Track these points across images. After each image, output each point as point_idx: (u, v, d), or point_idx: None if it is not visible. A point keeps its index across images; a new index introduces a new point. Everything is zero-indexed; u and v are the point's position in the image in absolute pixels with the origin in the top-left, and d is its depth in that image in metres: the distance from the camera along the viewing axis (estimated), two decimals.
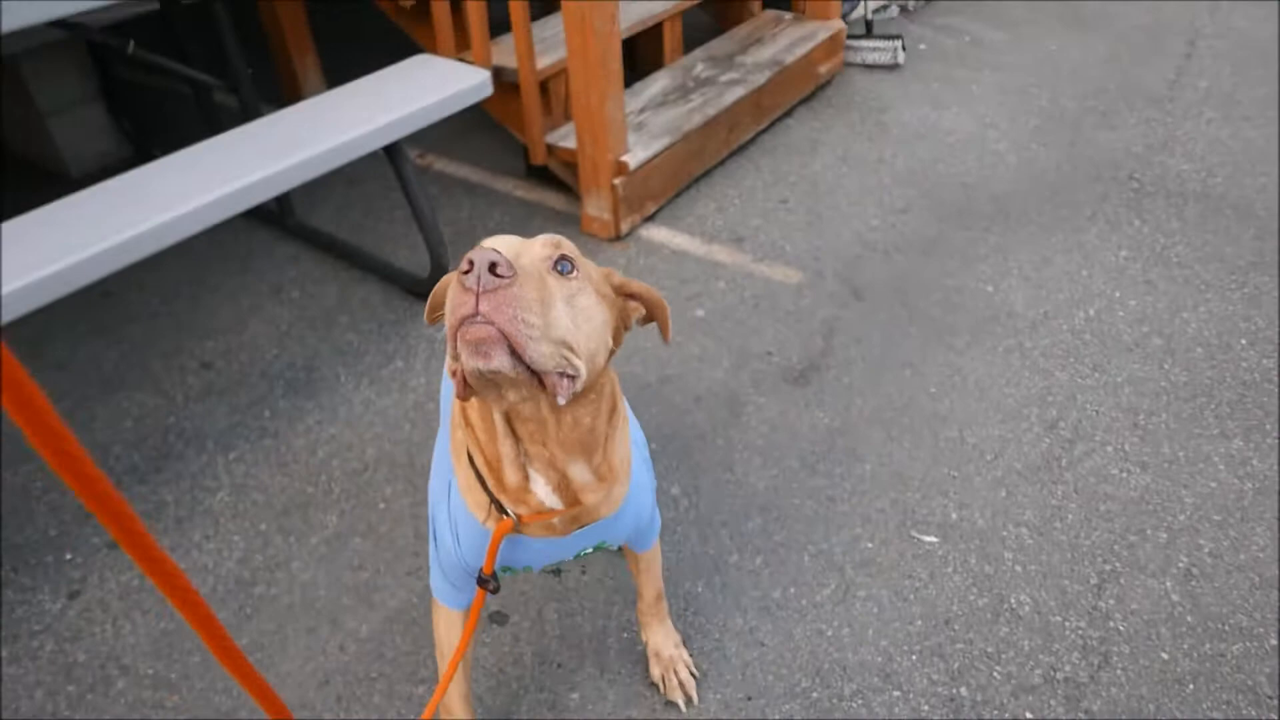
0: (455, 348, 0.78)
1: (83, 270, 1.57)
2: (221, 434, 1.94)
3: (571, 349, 0.83)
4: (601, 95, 2.29)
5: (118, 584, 1.63)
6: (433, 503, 1.18)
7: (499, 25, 2.46)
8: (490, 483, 1.01)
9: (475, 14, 2.37)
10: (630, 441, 1.11)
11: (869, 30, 3.50)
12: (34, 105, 2.79)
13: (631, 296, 1.00)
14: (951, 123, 3.05)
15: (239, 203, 1.76)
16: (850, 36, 3.43)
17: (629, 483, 1.09)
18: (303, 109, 2.05)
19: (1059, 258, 2.37)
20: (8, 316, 1.49)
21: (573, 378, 0.84)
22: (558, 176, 2.68)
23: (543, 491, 0.99)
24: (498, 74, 2.52)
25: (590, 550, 1.17)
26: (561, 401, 0.84)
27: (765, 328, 2.18)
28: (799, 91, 3.14)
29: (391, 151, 2.03)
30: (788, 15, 3.36)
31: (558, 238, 0.91)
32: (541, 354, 0.79)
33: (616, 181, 2.42)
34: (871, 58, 3.44)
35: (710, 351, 2.11)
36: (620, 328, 0.98)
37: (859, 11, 3.60)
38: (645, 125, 2.62)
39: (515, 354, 0.78)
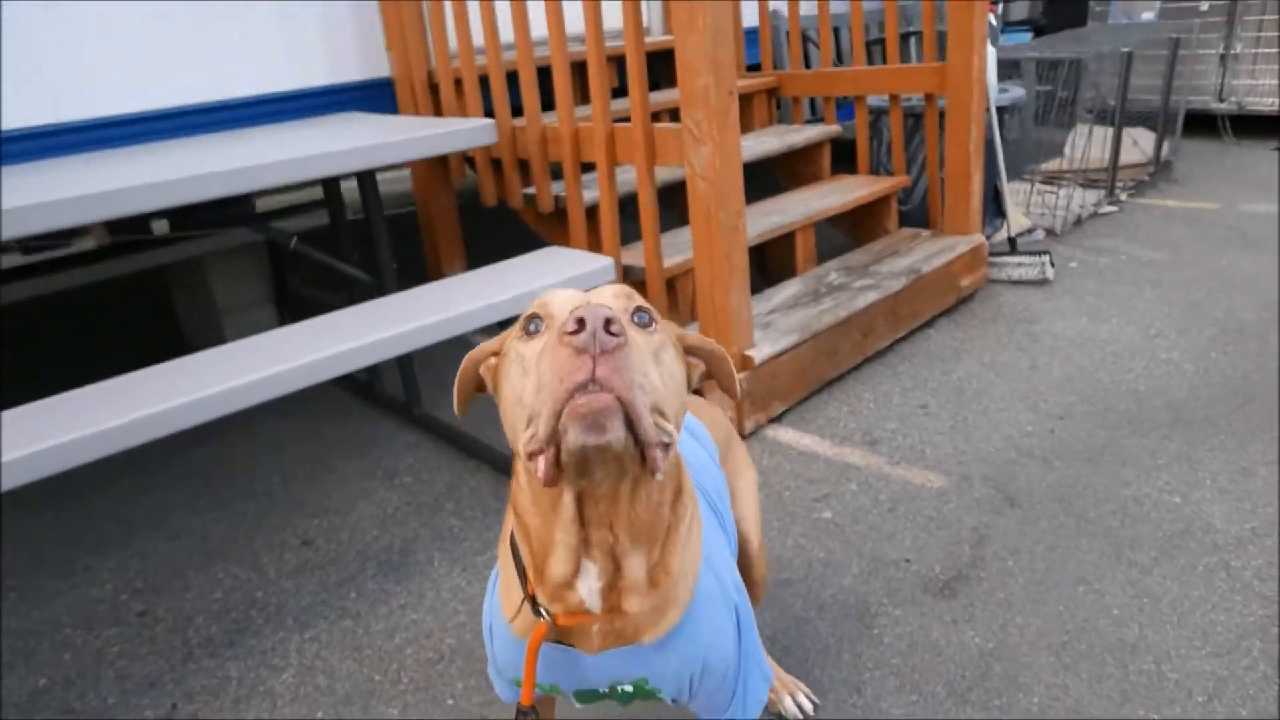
0: (555, 425, 0.69)
1: (178, 416, 1.57)
2: (303, 611, 1.83)
3: (664, 413, 0.74)
4: (725, 288, 2.25)
5: None
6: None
7: (634, 235, 2.52)
8: (530, 572, 0.88)
9: (607, 215, 2.45)
10: (704, 559, 0.94)
11: (1013, 248, 3.40)
12: (213, 302, 3.07)
13: (690, 351, 0.88)
14: (1112, 333, 2.81)
15: (345, 364, 1.76)
16: (994, 254, 3.33)
17: (687, 604, 0.90)
18: (430, 289, 2.11)
19: (1262, 469, 2.01)
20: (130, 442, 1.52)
21: (667, 445, 0.74)
22: None
23: (588, 589, 0.85)
24: (626, 272, 2.56)
25: (628, 689, 0.94)
26: (659, 476, 0.74)
27: (902, 533, 1.91)
28: (939, 302, 3.02)
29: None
30: (925, 232, 3.32)
31: (626, 287, 0.82)
32: (651, 426, 0.71)
33: (740, 376, 2.32)
34: (1018, 273, 3.31)
35: (837, 556, 1.85)
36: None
37: (1002, 234, 3.52)
38: (773, 324, 2.55)
39: (629, 425, 0.69)
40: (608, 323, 0.68)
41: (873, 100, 3.63)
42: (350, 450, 2.49)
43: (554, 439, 0.69)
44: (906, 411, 2.44)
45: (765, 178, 3.60)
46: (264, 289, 3.14)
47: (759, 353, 2.35)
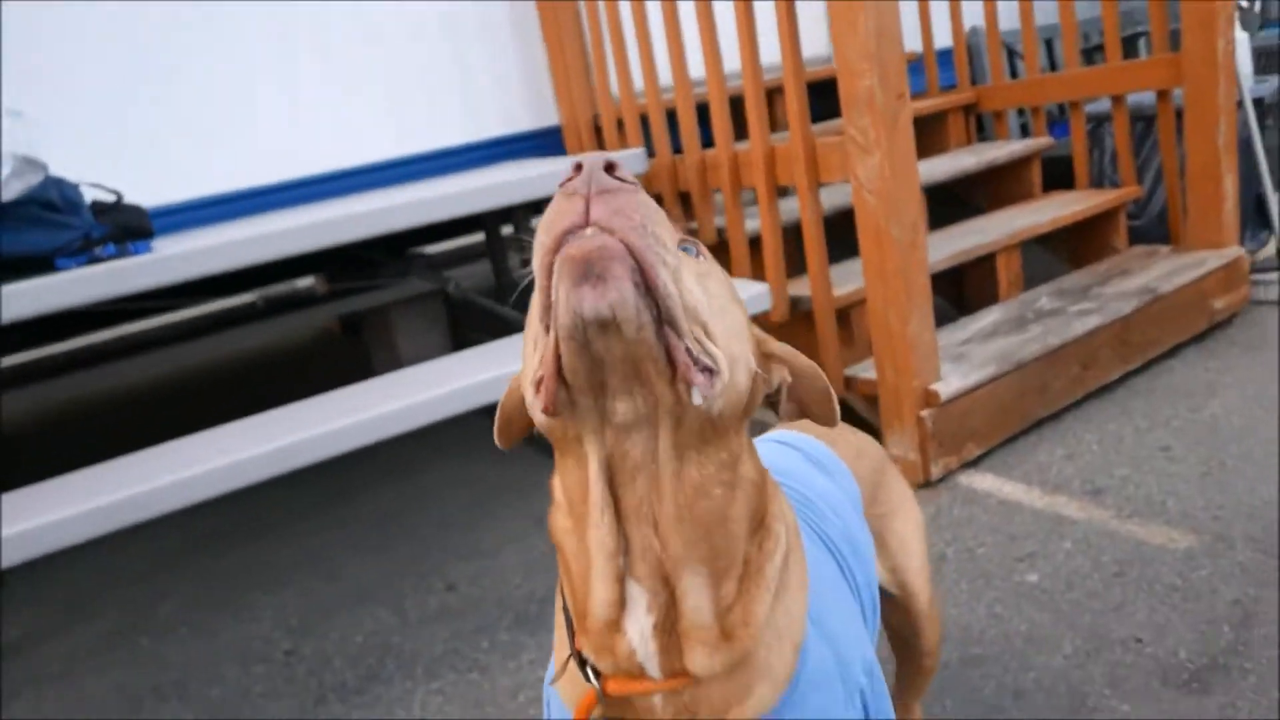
0: (549, 289, 0.53)
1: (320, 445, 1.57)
2: (434, 660, 1.73)
3: (706, 330, 0.58)
4: (903, 313, 1.97)
5: None
6: None
7: (804, 267, 2.30)
8: (574, 617, 0.69)
9: (769, 239, 2.25)
10: (813, 623, 0.71)
11: None
12: (396, 351, 3.17)
13: (770, 357, 0.71)
14: None
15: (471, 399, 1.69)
16: (1258, 270, 2.75)
17: (786, 680, 0.67)
18: None
19: None
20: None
21: (711, 372, 0.58)
22: (862, 416, 2.32)
23: (638, 630, 0.64)
24: (795, 303, 2.33)
25: None
26: (699, 400, 0.57)
27: (1134, 605, 1.51)
28: (1185, 328, 2.51)
29: None
30: (1164, 248, 2.81)
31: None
32: (673, 295, 0.54)
33: (924, 414, 2.00)
34: None
35: (1045, 630, 1.49)
36: (757, 390, 0.68)
37: (1269, 247, 2.92)
38: (967, 356, 2.20)
39: (640, 285, 0.53)
40: (609, 166, 0.54)
41: (1091, 108, 3.18)
42: (510, 495, 2.42)
43: (548, 320, 0.54)
44: (1142, 456, 1.99)
45: (964, 207, 3.23)
46: (442, 337, 3.22)
47: (946, 386, 2.02)
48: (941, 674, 1.41)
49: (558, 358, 0.55)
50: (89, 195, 1.84)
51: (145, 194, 2.00)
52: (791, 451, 1.04)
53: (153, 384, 4.30)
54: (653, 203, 0.56)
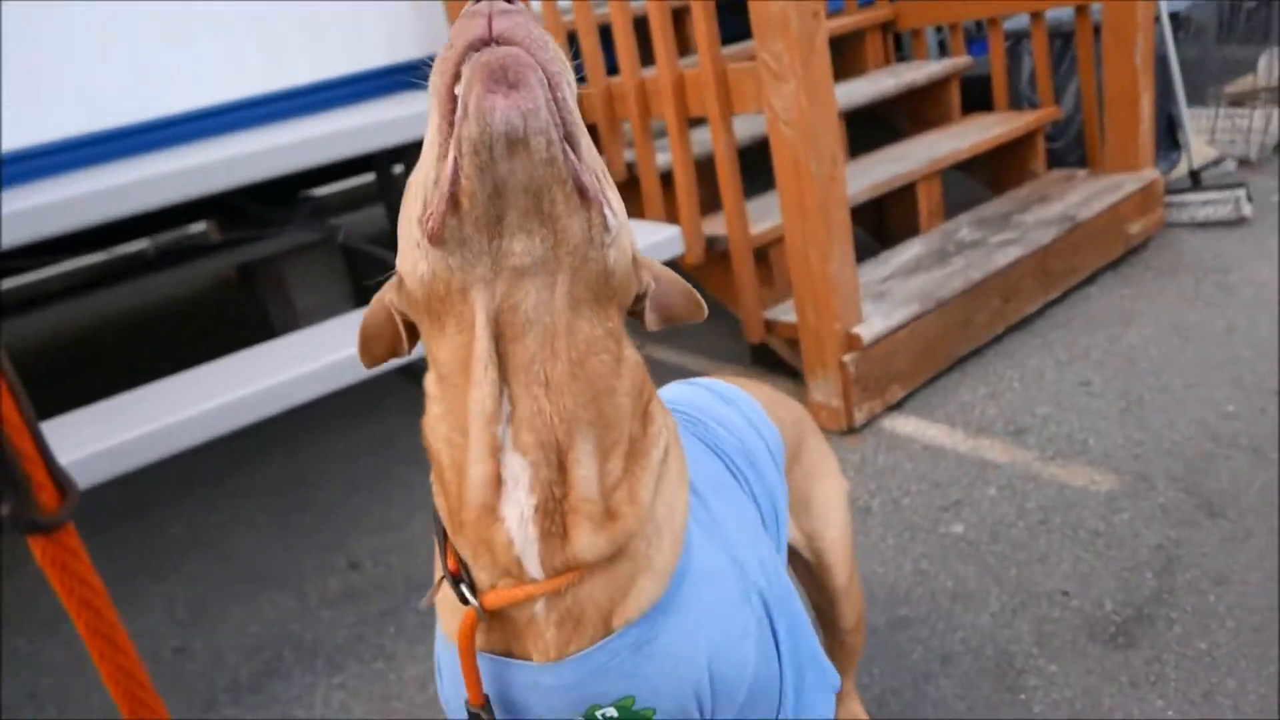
0: (452, 107, 0.52)
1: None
2: (337, 650, 1.61)
3: (601, 177, 0.60)
4: (823, 252, 1.87)
5: None
6: None
7: (718, 204, 2.17)
8: (447, 522, 0.66)
9: (681, 176, 2.10)
10: (702, 524, 0.71)
11: (1197, 183, 2.78)
12: (292, 303, 2.95)
13: (635, 261, 0.66)
14: None
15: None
16: (1171, 191, 2.74)
17: (669, 572, 0.66)
18: None
19: None
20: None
21: (606, 224, 0.58)
22: (783, 359, 2.24)
23: (517, 511, 0.61)
24: (711, 244, 2.21)
25: (611, 714, 0.66)
26: (612, 221, 0.58)
27: (1059, 555, 1.48)
28: (1102, 254, 2.48)
29: None
30: (1081, 172, 2.77)
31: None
32: (576, 116, 0.56)
33: (847, 358, 1.93)
34: (1204, 213, 2.70)
35: (971, 585, 1.45)
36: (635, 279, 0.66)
37: (1181, 168, 2.91)
38: (889, 293, 2.13)
39: (550, 100, 0.53)
40: None
41: (1009, 24, 3.08)
42: (420, 459, 2.27)
43: (447, 145, 0.53)
44: (1063, 391, 1.97)
45: (883, 129, 3.13)
46: (341, 289, 3.00)
47: (869, 329, 1.95)
48: (870, 639, 1.37)
49: (455, 180, 0.53)
50: None
51: None
52: (698, 390, 1.01)
53: (44, 341, 3.96)
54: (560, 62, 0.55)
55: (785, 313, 2.11)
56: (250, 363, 1.80)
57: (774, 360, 2.32)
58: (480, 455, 0.61)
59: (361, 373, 1.64)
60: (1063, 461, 1.72)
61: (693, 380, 1.05)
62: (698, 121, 2.21)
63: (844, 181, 1.86)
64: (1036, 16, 2.79)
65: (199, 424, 1.58)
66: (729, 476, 0.83)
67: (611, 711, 0.67)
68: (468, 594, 0.64)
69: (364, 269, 2.91)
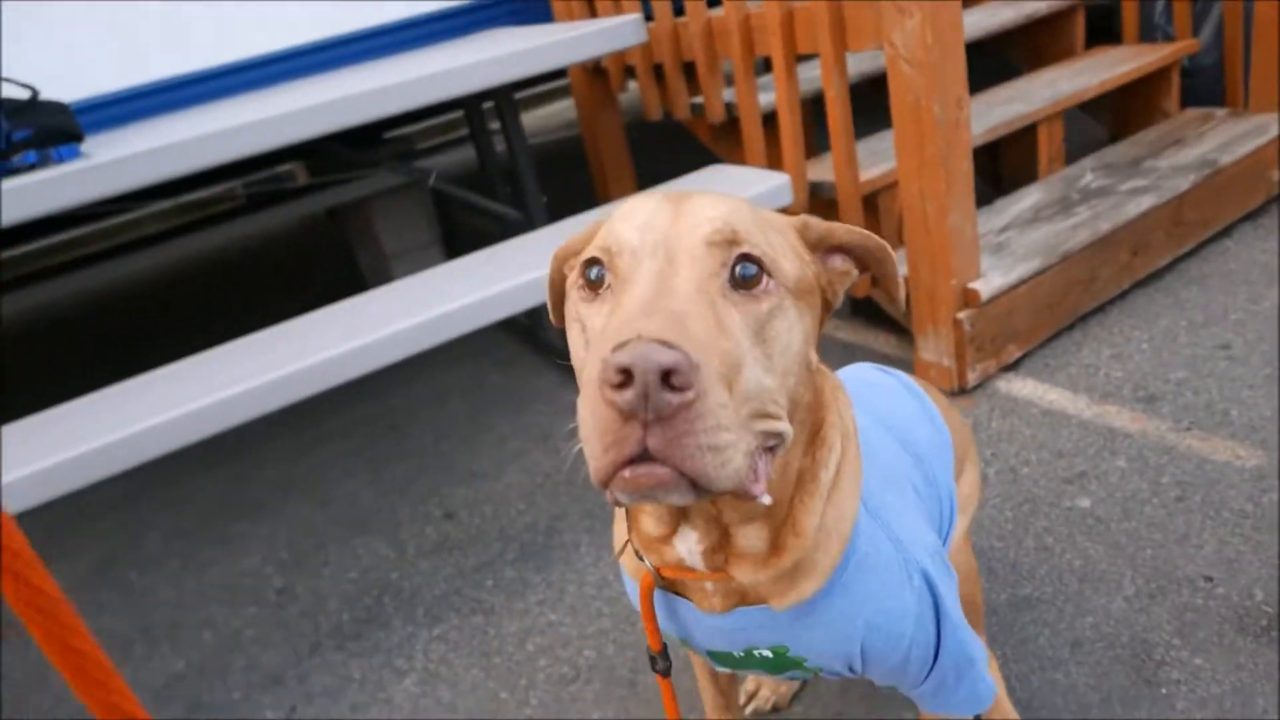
0: (606, 478, 0.55)
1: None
2: (435, 601, 1.61)
3: (771, 414, 0.59)
4: (941, 203, 1.74)
5: None
6: None
7: (826, 146, 2.04)
8: (627, 516, 0.76)
9: (786, 118, 1.98)
10: (870, 515, 0.76)
11: None
12: (381, 247, 2.95)
13: (838, 250, 0.70)
14: None
15: (467, 321, 1.49)
16: None
17: (829, 572, 0.71)
18: (568, 226, 1.79)
19: None
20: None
21: (774, 449, 0.61)
22: (888, 313, 2.13)
23: (687, 549, 0.71)
24: (816, 190, 2.09)
25: (766, 654, 0.77)
26: (766, 500, 0.60)
27: (1200, 536, 1.37)
28: (1242, 204, 2.28)
29: None
30: (1220, 111, 2.54)
31: (726, 207, 0.62)
32: (736, 472, 0.55)
33: (962, 315, 1.81)
34: None
35: (1101, 566, 1.36)
36: (824, 312, 0.70)
37: None
38: (1007, 246, 1.99)
39: (698, 486, 0.55)
40: (667, 374, 0.50)
41: None
42: (509, 405, 2.26)
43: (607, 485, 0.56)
44: (1199, 355, 1.82)
45: (997, 63, 2.92)
46: (430, 231, 2.98)
47: (988, 284, 1.82)
48: (989, 619, 1.29)
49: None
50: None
51: (64, 88, 1.73)
52: (890, 378, 1.04)
53: (137, 282, 4.08)
54: (713, 395, 0.53)
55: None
56: (344, 317, 1.76)
57: (876, 313, 2.21)
58: (652, 521, 0.71)
59: (457, 330, 1.60)
60: (1201, 433, 1.59)
61: (884, 368, 1.08)
62: (803, 57, 2.07)
63: (969, 127, 1.72)
64: None
65: (299, 380, 1.53)
66: (907, 465, 0.87)
67: (767, 653, 0.77)
68: (648, 564, 0.74)
69: (453, 212, 2.88)
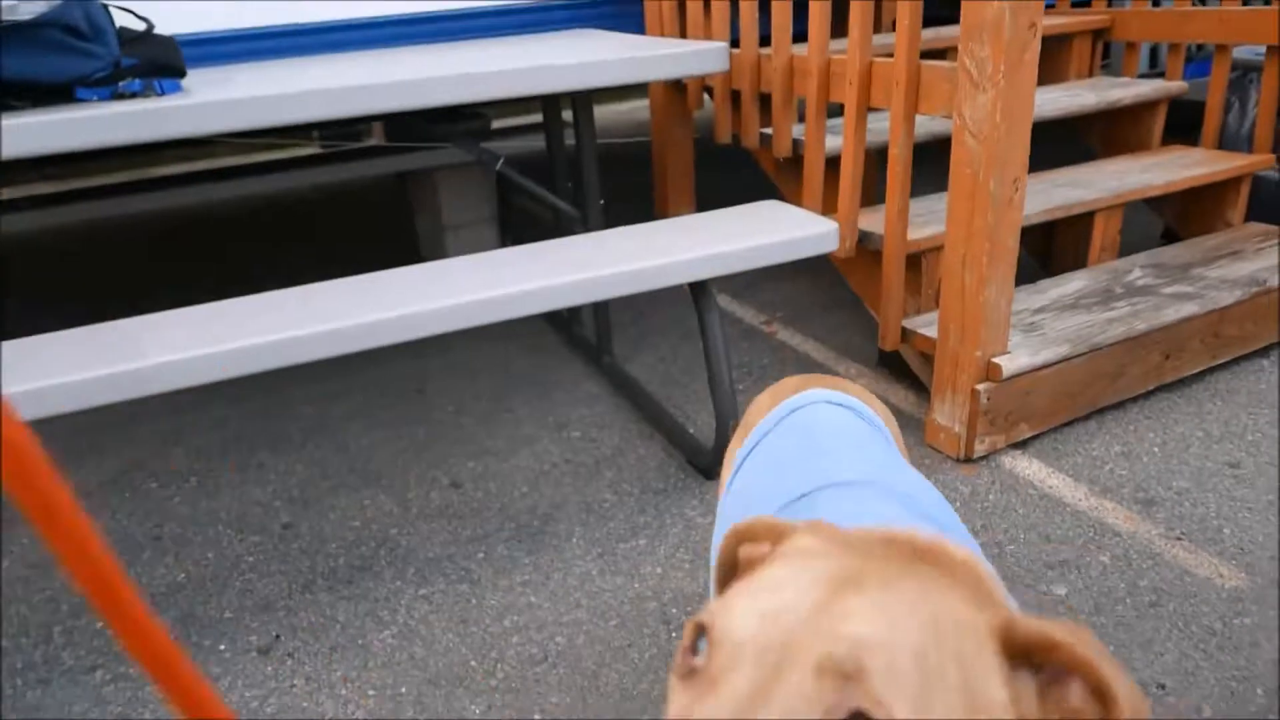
0: None
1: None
2: (427, 563, 1.70)
3: None
4: (981, 277, 1.78)
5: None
6: None
7: (884, 197, 2.09)
8: None
9: (849, 164, 2.03)
10: None
11: None
12: (440, 218, 3.05)
13: (1068, 667, 0.48)
14: None
15: (502, 310, 1.57)
16: None
17: None
18: (631, 231, 1.86)
19: None
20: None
21: None
22: (912, 371, 2.17)
23: None
24: (864, 239, 2.14)
25: None
26: None
27: (1165, 643, 1.40)
28: None
29: (696, 290, 1.73)
30: None
31: (875, 627, 0.45)
32: None
33: (981, 387, 1.85)
34: None
35: None
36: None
37: None
38: (1040, 328, 2.02)
39: None
40: None
41: (1240, 53, 2.81)
42: (532, 390, 2.34)
43: None
44: (1207, 469, 1.84)
45: (1074, 145, 2.93)
46: (488, 208, 3.07)
47: (1012, 362, 1.86)
48: None
49: None
50: (117, 21, 1.69)
51: (172, 23, 1.85)
52: (855, 420, 0.96)
53: (205, 214, 4.23)
54: None
55: (926, 325, 2.04)
56: (398, 284, 1.79)
57: (901, 368, 2.25)
58: None
59: (499, 316, 1.66)
60: (1190, 545, 1.62)
61: (836, 396, 1.02)
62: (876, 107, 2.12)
63: (1021, 208, 1.76)
64: (1274, 50, 2.52)
65: (346, 336, 1.57)
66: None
67: None
68: None
69: (512, 195, 2.97)
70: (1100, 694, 0.47)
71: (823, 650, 0.44)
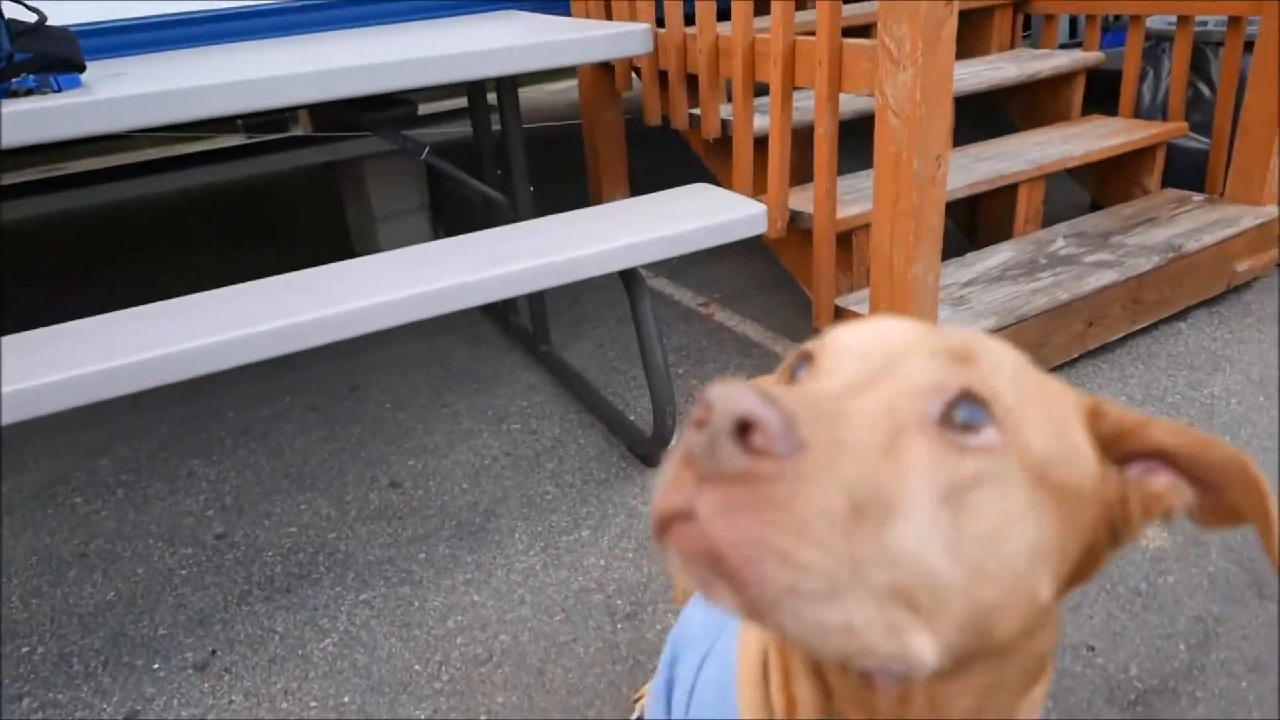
0: (655, 528, 0.42)
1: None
2: (367, 567, 1.67)
3: (914, 605, 0.39)
4: (908, 253, 1.80)
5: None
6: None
7: (806, 175, 2.10)
8: (776, 691, 0.58)
9: (776, 145, 2.04)
10: None
11: None
12: (370, 208, 2.97)
13: (1157, 458, 0.49)
14: None
15: (439, 305, 1.54)
16: None
17: None
18: (556, 221, 1.84)
19: None
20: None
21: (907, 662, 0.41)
22: None
23: None
24: (794, 219, 2.15)
25: None
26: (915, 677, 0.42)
27: (1092, 607, 1.45)
28: (1201, 290, 2.36)
29: (627, 278, 1.72)
30: (1198, 197, 2.62)
31: (973, 342, 0.46)
32: (816, 621, 0.38)
33: None
34: None
35: None
36: (1102, 538, 0.48)
37: None
38: (968, 301, 2.06)
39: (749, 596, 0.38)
40: (743, 427, 0.38)
41: (1153, 23, 2.88)
42: (470, 384, 2.31)
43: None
44: None
45: (996, 116, 2.98)
46: (419, 197, 3.01)
47: None
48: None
49: None
50: (6, 13, 1.59)
51: (66, 12, 1.75)
52: None
53: (127, 209, 4.07)
54: (814, 494, 0.38)
55: (859, 303, 2.06)
56: (327, 281, 1.74)
57: None
58: (810, 683, 0.55)
59: (433, 311, 1.63)
60: None
61: None
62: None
63: (944, 184, 1.78)
64: (1184, 21, 2.60)
65: (269, 339, 1.52)
66: None
67: None
68: None
69: (443, 183, 2.91)
70: (1208, 470, 0.48)
71: (937, 341, 0.46)
